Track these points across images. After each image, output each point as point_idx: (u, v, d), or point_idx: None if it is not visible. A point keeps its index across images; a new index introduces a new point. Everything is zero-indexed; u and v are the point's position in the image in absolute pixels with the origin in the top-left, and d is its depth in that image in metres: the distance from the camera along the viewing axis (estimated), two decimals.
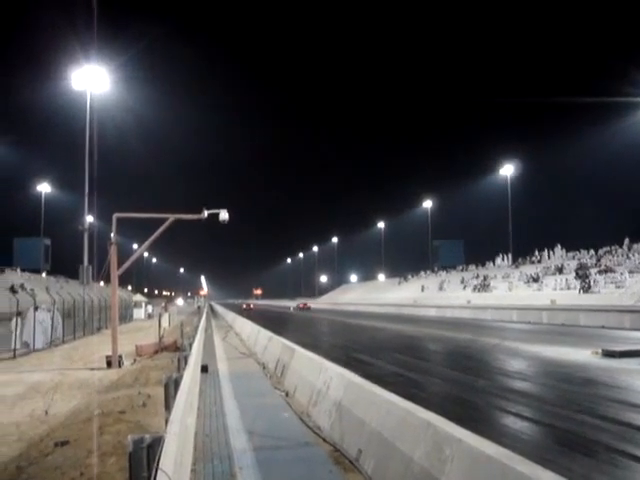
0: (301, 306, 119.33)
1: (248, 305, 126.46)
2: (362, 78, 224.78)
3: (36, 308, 32.91)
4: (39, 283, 75.59)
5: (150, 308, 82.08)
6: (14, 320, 29.91)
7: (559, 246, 71.03)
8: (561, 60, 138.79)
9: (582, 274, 56.66)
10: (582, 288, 54.24)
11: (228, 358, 24.22)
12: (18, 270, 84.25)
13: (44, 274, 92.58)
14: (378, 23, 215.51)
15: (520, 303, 56.43)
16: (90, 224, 42.72)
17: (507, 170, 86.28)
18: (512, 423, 11.77)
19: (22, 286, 67.45)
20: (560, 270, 62.81)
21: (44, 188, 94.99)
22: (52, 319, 34.02)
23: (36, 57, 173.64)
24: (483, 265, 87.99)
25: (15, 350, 28.54)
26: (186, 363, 12.87)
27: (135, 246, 75.98)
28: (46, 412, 14.77)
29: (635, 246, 58.63)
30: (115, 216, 24.54)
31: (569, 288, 56.72)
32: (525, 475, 4.78)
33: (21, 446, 11.58)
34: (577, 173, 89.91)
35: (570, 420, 11.78)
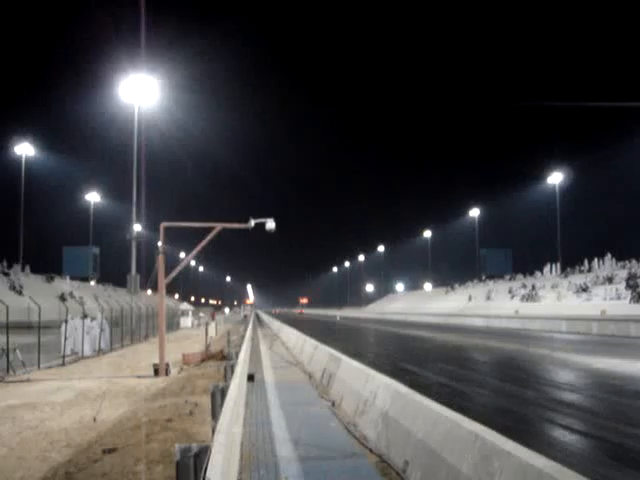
0: (299, 312, 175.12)
1: (276, 310, 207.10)
2: (410, 86, 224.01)
3: (85, 316, 33.39)
4: (88, 291, 77.11)
5: (191, 319, 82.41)
6: (63, 327, 30.35)
7: (609, 255, 69.87)
8: (614, 64, 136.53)
9: (633, 284, 55.61)
10: (632, 298, 53.24)
11: (274, 367, 24.24)
12: (67, 278, 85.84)
13: (93, 282, 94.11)
14: (425, 41, 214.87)
15: (569, 313, 55.60)
16: (138, 233, 43.16)
17: (555, 178, 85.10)
18: (562, 436, 11.57)
19: (71, 294, 68.87)
20: (610, 280, 61.77)
21: (93, 198, 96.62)
22: (100, 327, 34.48)
23: (82, 67, 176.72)
24: (531, 274, 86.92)
25: (64, 357, 28.96)
26: (232, 372, 12.91)
27: (182, 255, 76.78)
28: (94, 419, 14.94)
29: None
30: (163, 225, 24.77)
31: (619, 298, 55.74)
32: None
33: (70, 452, 11.72)
34: (628, 180, 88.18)
35: (622, 433, 11.53)
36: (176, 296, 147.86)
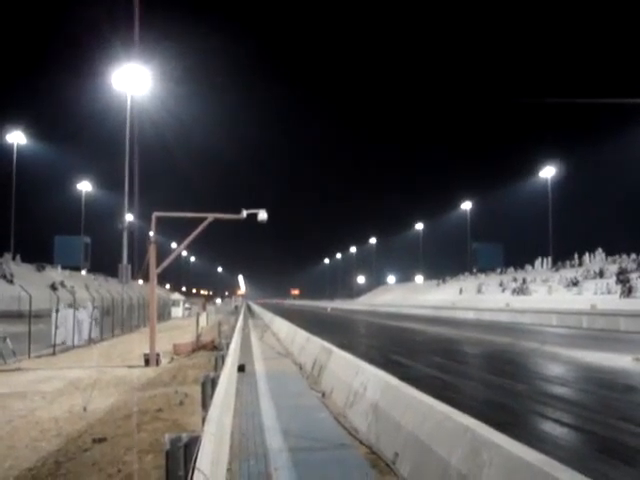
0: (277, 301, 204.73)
1: (259, 300, 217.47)
2: (405, 79, 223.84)
3: (76, 305, 33.30)
4: (79, 281, 76.85)
5: (182, 309, 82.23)
6: (54, 317, 30.27)
7: (600, 250, 70.02)
8: (605, 59, 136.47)
9: (623, 278, 55.77)
10: (623, 293, 53.41)
11: (265, 358, 24.24)
12: (59, 268, 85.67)
13: (84, 272, 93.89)
14: (421, 31, 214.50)
15: (559, 307, 55.67)
16: (130, 223, 43.03)
17: (548, 172, 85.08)
18: (551, 429, 11.61)
19: (62, 283, 68.64)
20: (601, 274, 61.92)
21: (85, 187, 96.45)
22: (91, 316, 34.40)
23: (77, 56, 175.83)
24: (522, 268, 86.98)
25: (55, 346, 28.89)
26: (223, 362, 12.89)
27: (174, 245, 76.58)
28: (84, 408, 14.92)
29: None
30: (154, 215, 24.69)
31: (610, 293, 55.88)
32: None
33: (60, 441, 11.71)
34: (621, 175, 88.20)
35: (611, 427, 11.57)
36: (167, 286, 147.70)
